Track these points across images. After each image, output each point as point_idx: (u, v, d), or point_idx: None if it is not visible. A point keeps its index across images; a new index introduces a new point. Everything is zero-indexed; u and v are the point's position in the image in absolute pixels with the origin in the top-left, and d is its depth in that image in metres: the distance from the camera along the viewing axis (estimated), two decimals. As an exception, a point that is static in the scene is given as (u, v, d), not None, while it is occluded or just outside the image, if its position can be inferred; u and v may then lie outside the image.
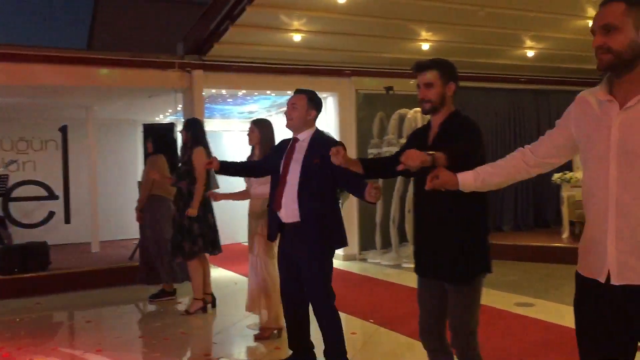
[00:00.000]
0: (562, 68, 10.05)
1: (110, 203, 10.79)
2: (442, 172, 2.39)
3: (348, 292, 6.66)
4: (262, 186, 4.63)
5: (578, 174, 8.31)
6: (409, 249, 8.23)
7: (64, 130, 10.50)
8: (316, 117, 3.87)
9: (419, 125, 8.15)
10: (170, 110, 10.13)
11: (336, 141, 3.79)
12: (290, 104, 3.83)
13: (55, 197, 10.47)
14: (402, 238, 8.67)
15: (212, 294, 6.04)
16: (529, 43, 8.88)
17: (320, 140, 3.79)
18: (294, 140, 3.86)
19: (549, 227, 10.31)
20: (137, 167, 10.63)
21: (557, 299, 5.99)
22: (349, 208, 8.27)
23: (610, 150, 1.96)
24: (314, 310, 3.83)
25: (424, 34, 8.14)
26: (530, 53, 9.18)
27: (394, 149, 8.31)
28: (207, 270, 5.98)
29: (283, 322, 4.53)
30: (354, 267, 8.48)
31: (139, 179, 6.70)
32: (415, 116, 8.30)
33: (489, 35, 8.24)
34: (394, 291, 6.82)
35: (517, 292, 6.33)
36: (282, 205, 3.75)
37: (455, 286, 2.85)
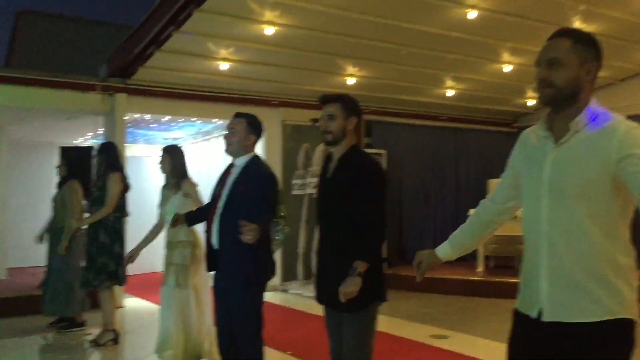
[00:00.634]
0: (479, 108, 10.53)
1: (21, 228, 10.23)
2: (423, 257, 2.45)
3: (268, 324, 6.52)
4: None
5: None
6: (331, 280, 8.25)
7: (-27, 150, 9.95)
8: (256, 141, 3.73)
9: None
10: (90, 134, 9.82)
11: (266, 175, 3.65)
12: (229, 128, 3.68)
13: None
14: (324, 269, 8.68)
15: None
16: (449, 83, 9.28)
17: (252, 168, 3.64)
18: (231, 165, 3.74)
19: (466, 260, 10.63)
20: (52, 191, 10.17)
21: (471, 331, 6.16)
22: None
23: (542, 186, 1.99)
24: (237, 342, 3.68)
25: (350, 69, 8.34)
26: (450, 92, 9.58)
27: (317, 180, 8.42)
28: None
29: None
30: (275, 298, 8.40)
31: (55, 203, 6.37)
32: (339, 149, 8.42)
33: (412, 73, 8.55)
34: (314, 322, 6.79)
35: (432, 324, 6.46)
36: (212, 232, 3.64)
37: (348, 314, 2.95)
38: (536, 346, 2.01)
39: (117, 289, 6.96)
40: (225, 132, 3.70)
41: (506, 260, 9.56)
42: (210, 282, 4.74)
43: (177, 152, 4.89)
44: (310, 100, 9.23)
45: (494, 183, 10.13)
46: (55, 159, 9.23)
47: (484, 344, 5.65)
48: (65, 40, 10.14)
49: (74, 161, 6.51)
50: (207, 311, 4.77)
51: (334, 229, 3.02)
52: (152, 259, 9.54)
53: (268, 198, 3.56)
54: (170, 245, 4.74)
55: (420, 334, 5.93)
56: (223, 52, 7.33)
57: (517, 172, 2.17)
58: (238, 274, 3.57)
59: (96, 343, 5.59)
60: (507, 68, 8.42)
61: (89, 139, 10.30)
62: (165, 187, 4.92)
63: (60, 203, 6.27)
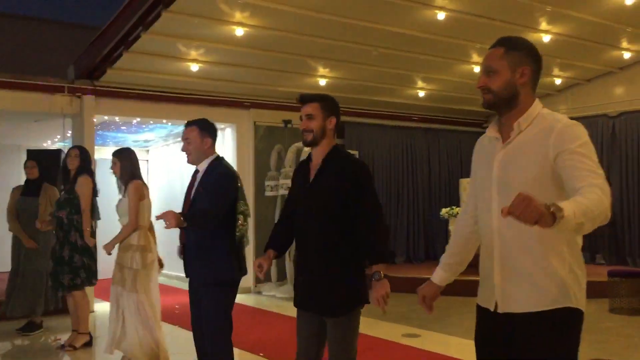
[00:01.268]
0: (450, 109, 10.63)
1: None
2: (424, 290, 2.48)
3: (241, 326, 6.51)
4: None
5: (464, 209, 8.74)
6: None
7: None
8: (213, 144, 3.78)
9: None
10: (58, 136, 9.65)
11: (224, 175, 3.72)
12: (184, 139, 3.73)
13: None
14: (298, 270, 8.66)
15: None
16: (420, 83, 9.35)
17: (212, 169, 3.72)
18: (196, 171, 3.80)
19: (438, 259, 10.69)
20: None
21: (443, 329, 6.21)
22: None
23: (492, 185, 2.12)
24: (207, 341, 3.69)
25: (322, 70, 8.35)
26: (421, 93, 9.65)
27: (290, 182, 8.40)
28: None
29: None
30: (249, 300, 8.37)
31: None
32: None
33: (383, 74, 8.59)
34: (288, 324, 6.78)
35: (405, 324, 6.50)
36: (185, 236, 3.71)
37: (333, 319, 2.92)
38: (496, 337, 2.13)
39: (89, 291, 6.90)
40: (182, 143, 3.75)
41: (476, 258, 9.62)
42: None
43: (128, 155, 4.87)
44: (282, 101, 9.22)
45: (465, 182, 10.23)
46: (22, 162, 9.08)
47: (456, 342, 5.70)
48: (31, 42, 9.95)
49: (46, 164, 6.44)
50: (158, 315, 4.81)
51: (320, 232, 2.93)
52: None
53: (222, 191, 3.60)
54: (124, 247, 4.74)
55: (393, 334, 5.96)
56: (193, 53, 7.28)
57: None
58: (204, 274, 3.64)
59: (72, 347, 5.51)
60: (477, 68, 8.51)
61: (57, 141, 10.12)
62: (119, 191, 4.95)
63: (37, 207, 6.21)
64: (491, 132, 2.18)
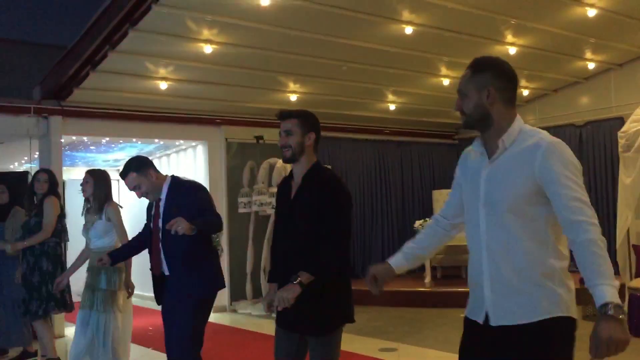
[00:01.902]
0: (421, 121, 10.71)
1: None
2: (377, 271, 2.42)
3: (217, 345, 6.45)
4: (102, 239, 4.68)
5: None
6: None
7: None
8: (156, 171, 3.77)
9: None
10: (26, 158, 9.46)
11: (196, 186, 3.78)
12: (132, 188, 3.70)
13: None
14: (273, 287, 8.59)
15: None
16: (390, 97, 9.41)
17: (178, 188, 3.72)
18: (157, 200, 3.76)
19: (414, 272, 10.71)
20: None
21: (421, 342, 6.20)
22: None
23: (479, 200, 2.17)
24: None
25: (292, 86, 8.36)
26: (392, 106, 9.71)
27: (264, 198, 8.35)
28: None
29: None
30: (224, 318, 8.26)
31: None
32: (284, 165, 8.40)
33: (354, 88, 8.63)
34: (264, 342, 6.70)
35: (381, 338, 6.48)
36: (161, 266, 3.67)
37: (316, 338, 2.89)
38: (486, 351, 2.13)
39: (58, 317, 6.71)
40: (135, 191, 3.72)
41: (453, 270, 9.71)
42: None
43: (103, 176, 4.83)
44: (253, 118, 9.19)
45: (438, 194, 10.32)
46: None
47: (433, 355, 5.70)
48: (-4, 62, 9.83)
49: (15, 187, 6.30)
50: (129, 335, 4.84)
51: (301, 250, 2.89)
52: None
53: (201, 203, 3.60)
54: (95, 270, 4.67)
55: (370, 348, 5.93)
56: (162, 71, 7.22)
57: (462, 190, 2.32)
58: (182, 291, 3.61)
59: None
60: (446, 81, 8.61)
61: (24, 163, 9.92)
62: (87, 212, 4.86)
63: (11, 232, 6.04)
64: (477, 147, 2.25)
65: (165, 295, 3.71)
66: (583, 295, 7.49)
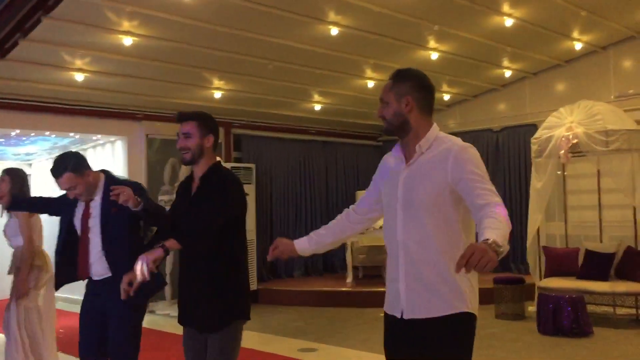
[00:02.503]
0: (346, 122, 10.81)
1: None
2: (281, 242, 2.65)
3: (131, 349, 6.23)
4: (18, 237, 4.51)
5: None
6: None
7: None
8: (91, 171, 3.52)
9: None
10: None
11: (129, 184, 3.49)
12: (66, 188, 3.43)
13: None
14: (193, 288, 8.42)
15: None
16: (316, 97, 9.43)
17: (106, 189, 3.41)
18: (88, 200, 3.50)
19: (336, 272, 10.81)
20: None
21: (340, 342, 6.24)
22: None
23: (397, 201, 2.33)
24: None
25: (217, 82, 8.20)
26: (317, 107, 9.73)
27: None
28: None
29: None
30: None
31: None
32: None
33: (279, 87, 8.58)
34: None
35: (301, 338, 6.47)
36: (90, 269, 3.45)
37: (210, 334, 2.94)
38: (402, 342, 2.33)
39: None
40: (68, 191, 3.45)
41: (374, 269, 9.84)
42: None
43: (20, 175, 4.61)
44: (176, 114, 8.95)
45: (362, 195, 10.42)
46: None
47: (353, 355, 5.74)
48: None
49: None
50: (52, 334, 4.73)
51: (191, 249, 2.94)
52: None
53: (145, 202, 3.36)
54: (12, 269, 4.56)
55: (289, 349, 5.91)
56: (78, 62, 6.88)
57: (379, 190, 2.51)
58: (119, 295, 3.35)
59: None
60: (370, 83, 8.72)
61: None
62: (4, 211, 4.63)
63: None
64: (395, 152, 2.42)
65: (91, 300, 3.51)
66: (497, 294, 7.78)
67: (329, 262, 11.05)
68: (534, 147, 7.45)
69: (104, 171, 3.62)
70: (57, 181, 3.42)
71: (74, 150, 9.67)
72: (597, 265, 6.93)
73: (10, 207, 3.98)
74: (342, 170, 11.44)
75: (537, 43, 8.10)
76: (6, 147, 9.38)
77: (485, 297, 6.97)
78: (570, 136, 7.05)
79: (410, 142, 2.35)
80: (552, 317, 6.35)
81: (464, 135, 9.17)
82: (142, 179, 8.74)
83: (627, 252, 7.01)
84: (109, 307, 3.43)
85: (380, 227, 8.29)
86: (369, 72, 8.46)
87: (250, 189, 8.79)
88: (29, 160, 10.85)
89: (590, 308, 6.70)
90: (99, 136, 8.96)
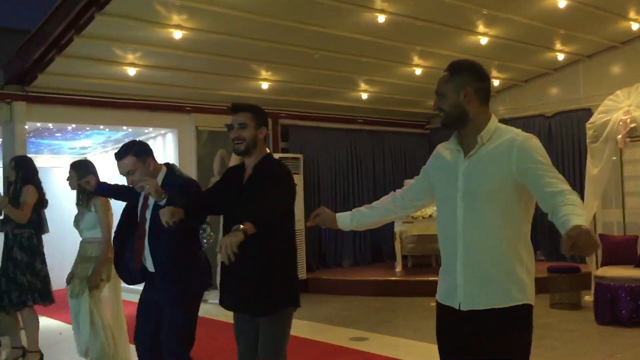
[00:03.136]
0: (393, 110, 10.72)
1: None
2: (323, 211, 2.68)
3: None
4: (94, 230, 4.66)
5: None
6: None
7: None
8: (155, 160, 3.62)
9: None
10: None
11: (189, 181, 3.65)
12: (125, 172, 3.52)
13: None
14: (244, 277, 8.55)
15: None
16: (363, 86, 9.37)
17: (170, 181, 3.54)
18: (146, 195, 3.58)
19: (385, 261, 10.78)
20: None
21: (390, 331, 6.23)
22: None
23: (457, 193, 2.31)
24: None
25: (264, 73, 8.26)
26: (364, 95, 9.68)
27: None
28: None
29: None
30: (194, 309, 8.16)
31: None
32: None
33: (325, 77, 8.57)
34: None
35: (352, 327, 6.48)
36: (145, 260, 3.54)
37: (261, 318, 2.98)
38: (459, 333, 2.30)
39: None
40: (127, 176, 3.53)
41: (423, 258, 9.78)
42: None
43: (84, 167, 4.71)
44: (224, 105, 9.00)
45: (410, 183, 10.34)
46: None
47: (403, 344, 5.72)
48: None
49: None
50: (122, 324, 4.89)
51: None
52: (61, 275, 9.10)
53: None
54: (85, 259, 4.66)
55: (340, 337, 5.93)
56: (130, 57, 7.05)
57: (430, 180, 2.50)
58: (169, 291, 3.47)
59: None
60: (418, 71, 8.61)
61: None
62: (78, 204, 4.80)
63: None
64: (452, 144, 2.39)
65: (147, 290, 3.60)
66: (551, 284, 7.59)
67: (378, 252, 11.03)
68: (589, 132, 7.21)
69: (167, 164, 3.67)
70: (118, 164, 3.51)
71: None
72: (657, 253, 6.68)
73: (97, 192, 4.12)
74: (390, 158, 11.36)
75: (591, 24, 7.82)
76: (62, 141, 9.71)
77: (539, 286, 6.85)
78: (628, 120, 6.79)
79: (469, 134, 2.34)
80: (610, 307, 6.17)
81: (515, 122, 8.99)
82: (192, 171, 8.90)
83: (689, 240, 6.73)
84: (162, 298, 3.51)
85: (430, 216, 8.20)
86: (416, 59, 8.36)
87: (298, 179, 8.83)
88: (84, 153, 11.18)
89: (650, 297, 6.46)
90: (150, 129, 9.16)
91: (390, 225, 9.87)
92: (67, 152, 10.80)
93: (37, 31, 6.65)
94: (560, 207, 2.03)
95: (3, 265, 5.18)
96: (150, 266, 3.54)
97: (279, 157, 8.04)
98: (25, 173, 5.27)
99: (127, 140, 3.81)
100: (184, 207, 3.06)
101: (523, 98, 10.12)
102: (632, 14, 7.67)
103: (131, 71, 7.30)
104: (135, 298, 3.76)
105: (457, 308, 2.30)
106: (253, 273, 2.95)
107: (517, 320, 2.25)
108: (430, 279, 8.56)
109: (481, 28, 7.48)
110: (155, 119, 8.74)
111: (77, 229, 4.81)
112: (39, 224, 5.29)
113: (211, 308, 8.25)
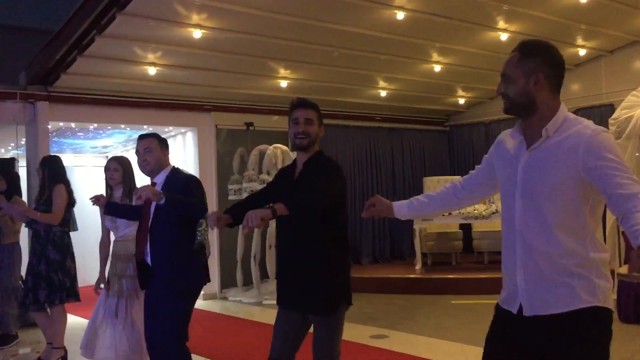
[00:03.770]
0: (412, 108, 10.68)
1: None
2: (379, 201, 2.52)
3: (208, 333, 6.43)
4: (129, 228, 4.59)
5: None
6: (271, 285, 8.16)
7: None
8: (167, 155, 3.80)
9: (279, 161, 8.24)
10: (12, 144, 9.34)
11: (190, 178, 3.75)
12: (143, 149, 3.68)
13: None
14: (264, 274, 8.59)
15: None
16: (382, 83, 9.35)
17: (174, 180, 3.68)
18: (152, 184, 3.70)
19: (404, 259, 10.75)
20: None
21: (410, 329, 6.21)
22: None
23: (516, 188, 2.11)
24: (161, 351, 3.60)
25: (283, 72, 8.28)
26: (383, 93, 9.66)
27: (255, 185, 8.29)
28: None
29: None
30: (214, 306, 8.24)
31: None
32: (275, 152, 8.35)
33: (344, 75, 8.56)
34: (255, 329, 6.69)
35: (371, 324, 6.47)
36: (145, 253, 3.63)
37: (319, 317, 2.99)
38: (518, 340, 2.10)
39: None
40: (143, 152, 3.70)
41: (443, 256, 9.73)
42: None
43: (129, 162, 4.76)
44: (243, 104, 9.12)
45: (429, 181, 10.29)
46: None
47: (424, 342, 5.70)
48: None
49: (10, 174, 6.25)
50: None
51: (304, 231, 2.99)
52: (85, 272, 9.22)
53: (188, 191, 3.55)
54: (126, 257, 4.62)
55: (361, 335, 5.92)
56: (150, 57, 7.12)
57: (493, 171, 2.30)
58: (166, 284, 3.57)
59: None
60: (437, 67, 8.57)
61: (10, 149, 9.80)
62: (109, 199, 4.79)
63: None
64: (515, 134, 2.17)
65: (152, 284, 3.66)
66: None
67: (397, 249, 11.01)
68: (612, 128, 7.10)
69: (173, 167, 3.80)
70: (140, 142, 3.70)
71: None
72: (682, 251, 6.56)
73: (106, 212, 4.25)
74: (409, 156, 11.33)
75: (613, 19, 7.71)
76: (84, 140, 9.83)
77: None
78: (652, 116, 6.69)
79: (534, 124, 2.09)
80: (633, 305, 6.10)
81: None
82: (211, 169, 8.97)
83: None
84: (158, 290, 3.61)
85: (449, 214, 8.13)
86: (435, 56, 8.32)
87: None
88: (105, 152, 11.32)
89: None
90: (171, 128, 9.23)
91: (410, 222, 9.84)
92: (89, 151, 10.94)
93: (59, 31, 6.73)
94: (632, 214, 1.82)
95: (33, 263, 5.24)
96: (149, 259, 3.63)
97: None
98: (51, 172, 5.31)
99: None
100: (229, 211, 3.13)
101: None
102: (655, 8, 7.55)
103: (152, 70, 7.37)
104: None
105: (516, 313, 2.10)
106: (310, 271, 2.97)
107: (586, 326, 2.00)
108: (450, 276, 8.53)
109: (501, 24, 7.41)
110: (175, 117, 8.81)
111: (111, 227, 4.75)
112: (69, 223, 5.36)
113: (231, 305, 8.33)
